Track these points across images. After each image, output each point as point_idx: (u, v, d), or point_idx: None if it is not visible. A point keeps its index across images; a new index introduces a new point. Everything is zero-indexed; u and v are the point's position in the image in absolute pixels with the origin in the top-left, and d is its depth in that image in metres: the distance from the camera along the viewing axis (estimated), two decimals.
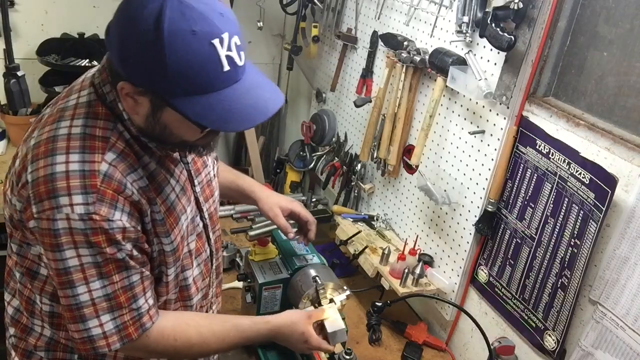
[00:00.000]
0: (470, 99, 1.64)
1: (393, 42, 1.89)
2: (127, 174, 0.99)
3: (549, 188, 1.44)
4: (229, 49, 0.89)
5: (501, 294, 1.62)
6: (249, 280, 1.63)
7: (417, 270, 1.77)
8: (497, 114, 1.56)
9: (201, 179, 1.21)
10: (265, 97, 0.96)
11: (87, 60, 2.36)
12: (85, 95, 1.03)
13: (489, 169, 1.60)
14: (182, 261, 1.15)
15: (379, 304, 1.76)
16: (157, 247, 1.08)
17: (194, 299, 1.23)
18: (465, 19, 1.57)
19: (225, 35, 0.88)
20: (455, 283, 1.76)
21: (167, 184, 1.08)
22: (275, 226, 1.52)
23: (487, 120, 1.59)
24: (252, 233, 2.21)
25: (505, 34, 1.40)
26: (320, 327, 1.35)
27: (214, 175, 1.28)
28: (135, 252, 1.02)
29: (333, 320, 1.36)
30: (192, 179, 1.17)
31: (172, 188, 1.09)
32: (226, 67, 0.89)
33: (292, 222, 1.55)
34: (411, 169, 1.93)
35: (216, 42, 0.87)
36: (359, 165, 2.20)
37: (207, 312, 1.35)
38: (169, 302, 1.18)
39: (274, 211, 1.46)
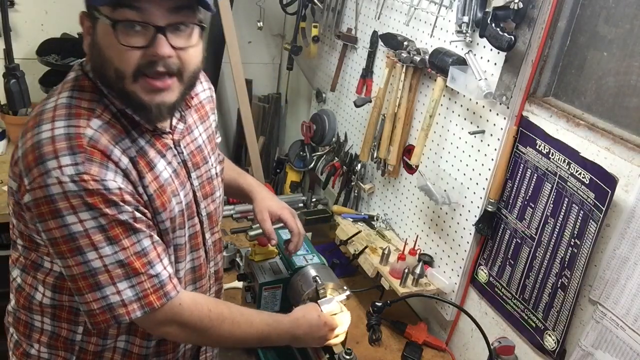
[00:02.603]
0: (470, 99, 1.64)
1: (393, 42, 1.89)
2: (114, 143, 0.99)
3: (549, 188, 1.44)
4: None
5: (501, 294, 1.62)
6: (249, 280, 1.63)
7: (417, 270, 1.77)
8: (497, 114, 1.56)
9: (200, 173, 1.20)
10: None
11: None
12: (73, 73, 1.07)
13: (489, 169, 1.60)
14: (177, 252, 1.14)
15: (379, 304, 1.76)
16: (154, 224, 1.06)
17: None
18: (465, 19, 1.57)
19: None
20: (455, 283, 1.76)
21: (160, 162, 1.07)
22: (275, 226, 1.52)
23: (487, 120, 1.59)
24: (252, 233, 2.22)
25: (505, 34, 1.40)
26: None
27: (216, 174, 1.27)
28: (138, 215, 1.00)
29: (329, 304, 1.36)
30: (188, 170, 1.16)
31: (164, 166, 1.08)
32: None
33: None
34: (411, 169, 1.93)
35: None
36: (359, 165, 2.20)
37: None
38: None
39: (262, 215, 1.44)
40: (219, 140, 1.41)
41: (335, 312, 1.34)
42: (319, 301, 1.35)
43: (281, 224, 1.52)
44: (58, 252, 0.98)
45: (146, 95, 0.98)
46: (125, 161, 0.99)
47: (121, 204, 0.97)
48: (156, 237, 1.05)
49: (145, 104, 0.98)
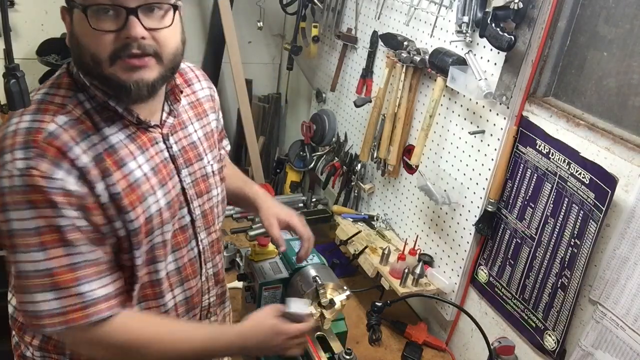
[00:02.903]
0: (470, 99, 1.64)
1: (393, 42, 1.89)
2: (77, 140, 0.98)
3: (549, 188, 1.44)
4: None
5: (501, 294, 1.62)
6: (249, 280, 1.63)
7: (417, 270, 1.77)
8: (497, 114, 1.56)
9: (193, 170, 1.18)
10: None
11: None
12: (58, 72, 1.07)
13: (489, 169, 1.60)
14: (154, 251, 1.10)
15: (379, 304, 1.76)
16: (120, 224, 1.03)
17: (166, 296, 1.17)
18: (465, 19, 1.57)
19: None
20: (455, 283, 1.76)
21: (132, 160, 1.05)
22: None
23: (487, 120, 1.59)
24: (252, 233, 2.22)
25: (505, 34, 1.40)
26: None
27: (213, 172, 1.24)
28: (82, 223, 0.97)
29: (298, 305, 1.23)
30: (177, 165, 1.14)
31: (138, 165, 1.05)
32: None
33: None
34: (411, 169, 1.93)
35: None
36: (359, 165, 2.20)
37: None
38: (138, 296, 1.13)
39: (269, 221, 1.40)
40: (228, 148, 1.40)
41: (302, 315, 1.21)
42: (287, 300, 1.24)
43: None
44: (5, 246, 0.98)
45: (124, 74, 0.97)
46: (85, 159, 0.97)
47: (63, 206, 0.95)
48: (98, 254, 1.01)
49: (124, 82, 0.97)
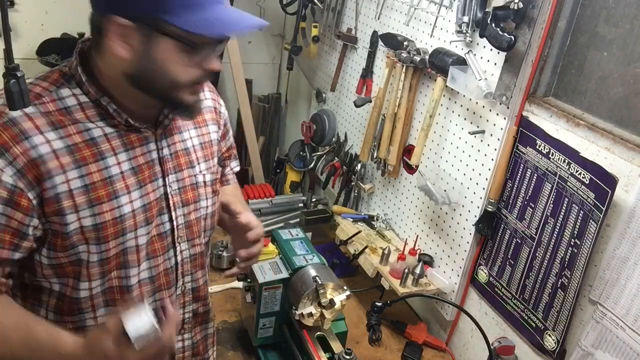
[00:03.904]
0: (470, 99, 1.64)
1: (393, 42, 1.89)
2: (44, 129, 0.97)
3: (549, 188, 1.44)
4: None
5: (501, 294, 1.62)
6: (249, 280, 1.63)
7: (417, 270, 1.77)
8: (497, 114, 1.56)
9: (182, 176, 1.14)
10: (245, 14, 1.00)
11: None
12: (54, 69, 1.08)
13: (489, 169, 1.60)
14: (127, 255, 1.07)
15: (379, 304, 1.76)
16: (72, 218, 0.99)
17: None
18: (465, 19, 1.57)
19: None
20: (455, 283, 1.76)
21: (112, 156, 1.03)
22: (275, 226, 1.50)
23: (487, 120, 1.59)
24: None
25: (505, 34, 1.40)
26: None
27: (204, 182, 1.20)
28: None
29: (137, 319, 0.93)
30: (164, 169, 1.11)
31: (117, 162, 1.03)
32: None
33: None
34: (411, 169, 1.93)
35: None
36: (359, 165, 2.20)
37: None
38: (99, 295, 1.07)
39: (237, 206, 1.27)
40: (237, 169, 1.41)
41: (144, 336, 0.92)
42: (124, 315, 0.92)
43: (282, 224, 1.52)
44: None
45: (190, 96, 1.03)
46: (45, 149, 0.96)
47: None
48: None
49: (190, 103, 1.04)
